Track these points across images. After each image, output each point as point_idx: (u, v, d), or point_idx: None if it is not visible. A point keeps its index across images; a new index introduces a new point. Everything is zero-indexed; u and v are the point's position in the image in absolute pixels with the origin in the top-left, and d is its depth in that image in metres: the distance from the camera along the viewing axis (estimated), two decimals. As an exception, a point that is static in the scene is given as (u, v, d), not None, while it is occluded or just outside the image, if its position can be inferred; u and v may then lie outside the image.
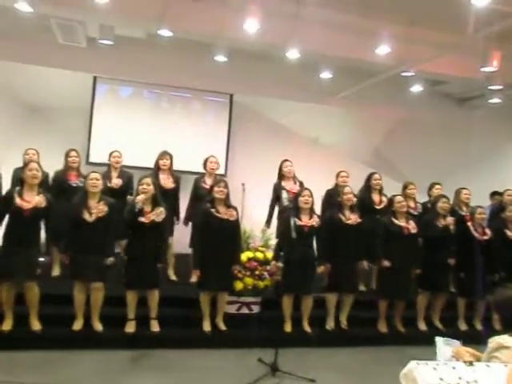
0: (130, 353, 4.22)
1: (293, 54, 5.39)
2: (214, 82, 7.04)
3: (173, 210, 5.27)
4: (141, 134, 7.16)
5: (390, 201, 5.15)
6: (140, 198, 4.25)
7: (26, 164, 4.87)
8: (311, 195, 4.72)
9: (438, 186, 5.95)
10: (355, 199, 4.99)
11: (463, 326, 5.35)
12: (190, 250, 4.96)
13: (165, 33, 5.18)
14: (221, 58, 6.44)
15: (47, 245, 4.25)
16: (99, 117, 7.06)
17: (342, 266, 4.79)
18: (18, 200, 4.01)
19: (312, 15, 5.14)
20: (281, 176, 5.59)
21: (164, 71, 6.81)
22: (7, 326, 4.13)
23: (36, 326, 4.21)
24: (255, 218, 5.73)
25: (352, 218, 4.86)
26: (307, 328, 4.84)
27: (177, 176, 5.47)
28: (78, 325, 4.29)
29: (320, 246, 4.76)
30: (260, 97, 7.55)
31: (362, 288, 5.52)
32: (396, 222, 4.93)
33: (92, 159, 6.83)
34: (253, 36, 5.06)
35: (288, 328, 4.78)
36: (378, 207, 5.49)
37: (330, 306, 4.95)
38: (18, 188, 4.10)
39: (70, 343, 4.20)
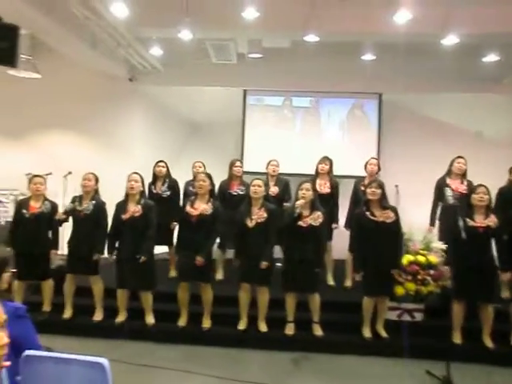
0: (290, 354, 4.27)
1: (450, 40, 4.97)
2: (362, 82, 6.88)
3: (330, 215, 5.20)
4: (290, 140, 7.36)
5: None
6: (299, 202, 4.30)
7: (194, 176, 5.37)
8: (488, 193, 4.20)
9: None
10: None
11: None
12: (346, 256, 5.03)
13: (311, 38, 5.23)
14: (368, 57, 6.27)
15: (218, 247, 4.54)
16: (250, 127, 7.46)
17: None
18: (188, 207, 4.45)
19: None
20: (449, 172, 5.17)
21: (310, 77, 6.87)
22: (182, 322, 4.58)
23: (207, 324, 4.57)
24: (411, 220, 5.35)
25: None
26: (488, 342, 4.27)
27: (335, 181, 5.39)
28: (242, 324, 4.52)
29: (500, 249, 4.20)
30: (411, 93, 7.11)
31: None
32: None
33: (246, 168, 7.21)
34: (403, 28, 4.78)
35: (457, 339, 4.32)
36: None
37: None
38: (192, 197, 4.56)
39: (235, 342, 4.43)
